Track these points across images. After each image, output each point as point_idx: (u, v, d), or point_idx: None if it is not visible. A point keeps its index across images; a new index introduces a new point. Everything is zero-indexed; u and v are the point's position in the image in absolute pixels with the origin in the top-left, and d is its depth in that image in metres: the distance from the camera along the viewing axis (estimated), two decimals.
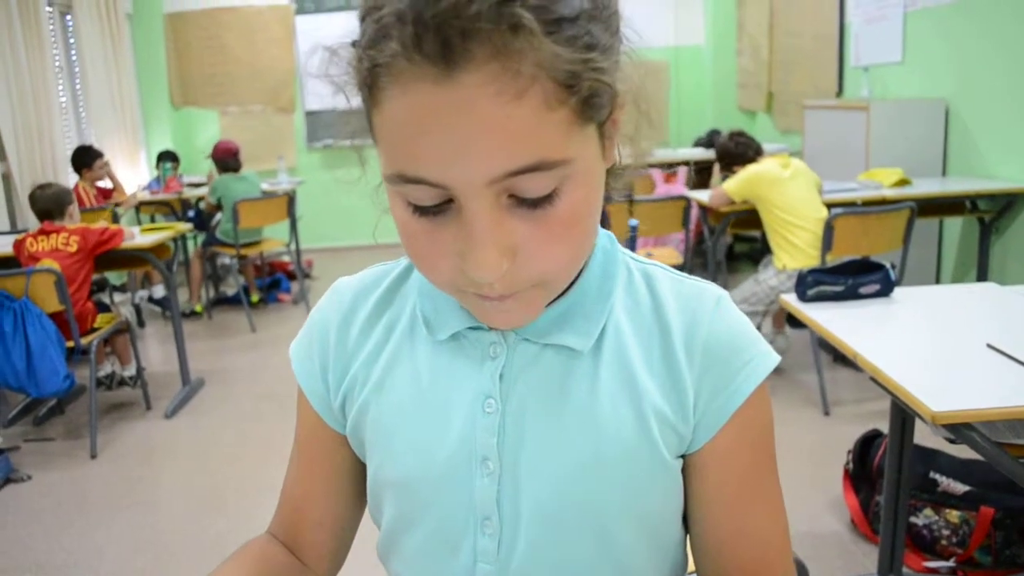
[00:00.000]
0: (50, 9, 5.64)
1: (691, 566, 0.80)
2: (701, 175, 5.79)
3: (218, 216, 5.55)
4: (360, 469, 0.81)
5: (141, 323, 5.44)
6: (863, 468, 2.59)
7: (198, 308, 5.60)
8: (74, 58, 6.08)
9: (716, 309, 0.72)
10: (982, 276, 3.97)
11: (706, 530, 0.74)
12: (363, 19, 0.55)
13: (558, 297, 0.70)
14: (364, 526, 0.87)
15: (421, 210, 0.58)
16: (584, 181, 0.58)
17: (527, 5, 0.50)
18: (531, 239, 0.58)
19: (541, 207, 0.57)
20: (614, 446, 0.69)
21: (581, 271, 0.71)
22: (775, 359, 0.72)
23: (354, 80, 0.58)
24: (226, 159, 5.44)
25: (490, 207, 0.56)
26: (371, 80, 0.55)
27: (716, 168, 4.23)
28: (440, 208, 0.58)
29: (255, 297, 5.76)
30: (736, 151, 3.80)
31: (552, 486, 0.70)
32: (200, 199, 5.96)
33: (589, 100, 0.55)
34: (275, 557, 0.81)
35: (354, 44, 0.57)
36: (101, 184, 5.41)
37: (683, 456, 0.72)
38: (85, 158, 5.21)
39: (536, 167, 0.54)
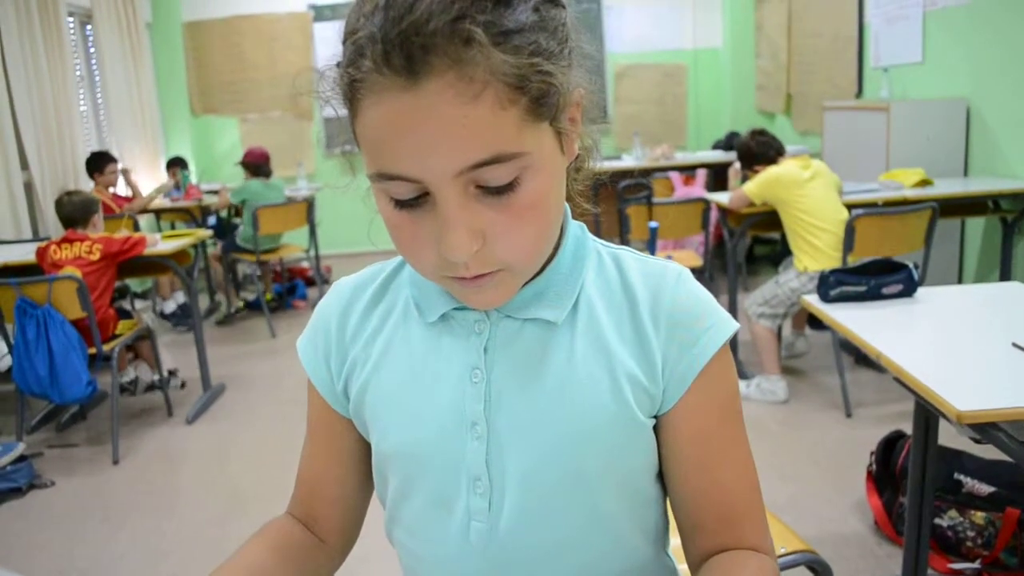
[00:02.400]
0: (71, 19, 5.71)
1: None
2: (719, 177, 5.78)
3: (239, 224, 5.59)
4: (366, 450, 0.89)
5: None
6: (886, 470, 2.57)
7: (219, 316, 5.64)
8: (95, 67, 6.15)
9: (678, 282, 0.80)
10: (1005, 276, 3.93)
11: (680, 486, 0.81)
12: (344, 43, 0.65)
13: (534, 278, 0.78)
14: (374, 511, 0.93)
15: (402, 204, 0.67)
16: (542, 171, 0.66)
17: (476, 21, 0.59)
18: (497, 223, 0.66)
19: (505, 195, 0.65)
20: (590, 408, 0.76)
21: (554, 255, 0.79)
22: (735, 325, 0.80)
23: (338, 95, 0.67)
24: (259, 162, 5.51)
25: (459, 195, 0.64)
26: (351, 94, 0.64)
27: (734, 168, 4.17)
28: (418, 201, 0.66)
29: (268, 295, 5.79)
30: (757, 150, 3.72)
31: (534, 444, 0.77)
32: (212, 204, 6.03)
33: (539, 100, 0.63)
34: (294, 533, 0.89)
35: (337, 65, 0.66)
36: (118, 191, 5.45)
37: (656, 417, 0.80)
38: (97, 163, 5.24)
39: (495, 159, 0.62)
